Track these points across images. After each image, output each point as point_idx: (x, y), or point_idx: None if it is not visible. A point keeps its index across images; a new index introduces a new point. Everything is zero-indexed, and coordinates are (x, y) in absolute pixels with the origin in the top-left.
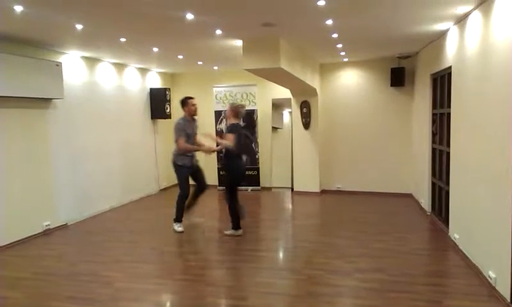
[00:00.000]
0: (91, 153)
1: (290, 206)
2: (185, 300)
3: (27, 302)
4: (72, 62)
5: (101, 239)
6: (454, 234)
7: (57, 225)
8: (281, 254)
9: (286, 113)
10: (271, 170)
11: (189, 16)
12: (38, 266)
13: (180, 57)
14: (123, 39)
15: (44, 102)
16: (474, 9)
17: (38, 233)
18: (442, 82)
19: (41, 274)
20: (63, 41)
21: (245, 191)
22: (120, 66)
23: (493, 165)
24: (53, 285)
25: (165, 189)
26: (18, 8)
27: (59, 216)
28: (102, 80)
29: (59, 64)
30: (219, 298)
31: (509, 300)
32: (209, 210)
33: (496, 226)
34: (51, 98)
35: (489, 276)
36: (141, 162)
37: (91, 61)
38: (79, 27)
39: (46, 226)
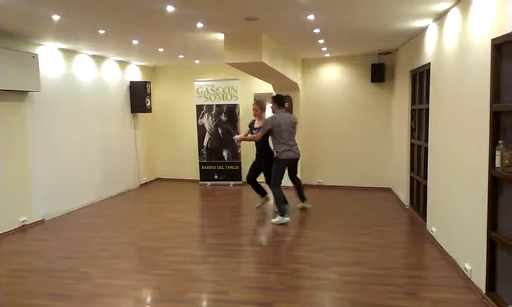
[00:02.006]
0: (69, 147)
1: (272, 200)
2: (166, 295)
3: (4, 300)
4: (49, 54)
5: (79, 235)
6: (432, 227)
7: (34, 221)
8: (263, 248)
9: (268, 108)
10: None
11: (170, 8)
12: (15, 262)
13: (161, 50)
14: (102, 31)
15: (20, 95)
16: (453, 6)
17: (14, 229)
18: (421, 79)
19: (18, 271)
20: (40, 33)
21: (227, 186)
22: (98, 59)
23: (469, 160)
24: (30, 282)
25: (145, 184)
26: None
27: (36, 212)
28: (80, 73)
29: (35, 56)
30: (201, 293)
31: (484, 292)
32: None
33: (472, 220)
34: (27, 91)
35: (465, 268)
36: (121, 156)
37: (69, 53)
38: (56, 17)
39: (22, 221)
